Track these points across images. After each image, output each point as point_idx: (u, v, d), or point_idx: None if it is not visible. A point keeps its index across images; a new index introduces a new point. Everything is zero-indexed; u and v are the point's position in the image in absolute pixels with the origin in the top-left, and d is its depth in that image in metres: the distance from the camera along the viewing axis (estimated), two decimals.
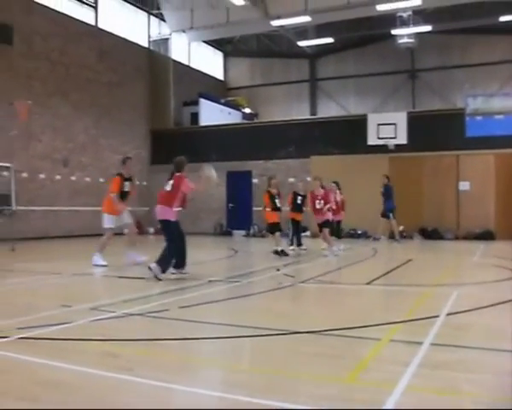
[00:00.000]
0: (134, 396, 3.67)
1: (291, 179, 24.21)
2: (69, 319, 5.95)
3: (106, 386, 3.85)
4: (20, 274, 10.78)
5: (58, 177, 22.39)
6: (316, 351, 4.77)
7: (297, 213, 15.61)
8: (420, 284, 9.05)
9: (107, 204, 11.76)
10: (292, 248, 15.29)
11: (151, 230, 24.54)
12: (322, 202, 14.04)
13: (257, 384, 3.86)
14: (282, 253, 13.86)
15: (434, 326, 5.53)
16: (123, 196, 11.75)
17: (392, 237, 20.18)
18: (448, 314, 6.21)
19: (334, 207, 14.82)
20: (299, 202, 15.57)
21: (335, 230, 15.94)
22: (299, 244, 15.49)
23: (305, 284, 9.25)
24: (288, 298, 8.05)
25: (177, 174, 9.73)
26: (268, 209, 14.48)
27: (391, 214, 19.69)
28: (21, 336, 5.18)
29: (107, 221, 11.77)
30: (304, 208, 15.60)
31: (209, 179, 9.83)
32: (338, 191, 16.55)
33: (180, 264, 9.75)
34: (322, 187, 14.55)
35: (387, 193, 19.78)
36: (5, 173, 19.17)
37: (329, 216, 14.23)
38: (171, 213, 9.55)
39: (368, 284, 9.08)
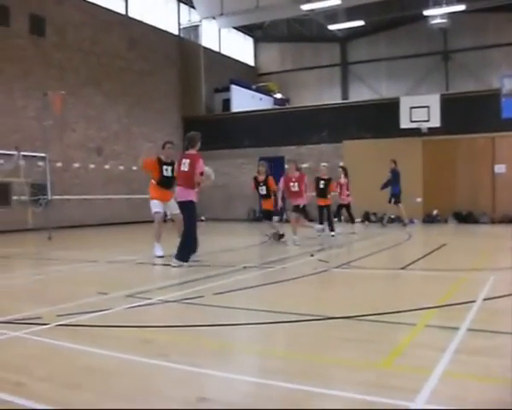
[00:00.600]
0: (170, 382, 3.72)
1: (324, 164, 24.09)
2: (106, 306, 6.04)
3: (143, 372, 3.91)
4: (57, 262, 10.96)
5: (92, 166, 22.66)
6: (351, 336, 4.76)
7: (321, 199, 15.69)
8: (455, 269, 8.96)
9: (151, 190, 11.26)
10: (331, 233, 15.32)
11: None
12: (296, 184, 13.45)
13: (292, 370, 3.88)
14: (281, 237, 14.18)
15: (471, 311, 5.48)
16: (165, 181, 11.02)
17: (398, 220, 20.58)
18: (485, 299, 6.14)
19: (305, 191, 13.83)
20: (321, 186, 15.64)
21: (338, 213, 16.97)
22: (332, 230, 15.45)
23: (340, 269, 9.22)
24: (322, 283, 8.04)
25: (193, 152, 9.54)
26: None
27: (393, 199, 19.53)
28: (61, 323, 5.29)
29: (153, 206, 11.10)
30: (329, 193, 15.68)
31: (209, 177, 9.75)
32: (342, 176, 16.94)
33: (193, 249, 9.65)
34: (298, 169, 13.98)
35: (395, 178, 19.57)
36: (41, 163, 19.47)
37: (304, 201, 13.60)
38: (192, 194, 9.45)
39: (403, 268, 9.02)
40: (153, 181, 11.18)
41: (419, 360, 4.04)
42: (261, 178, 14.24)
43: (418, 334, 4.86)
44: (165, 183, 11.02)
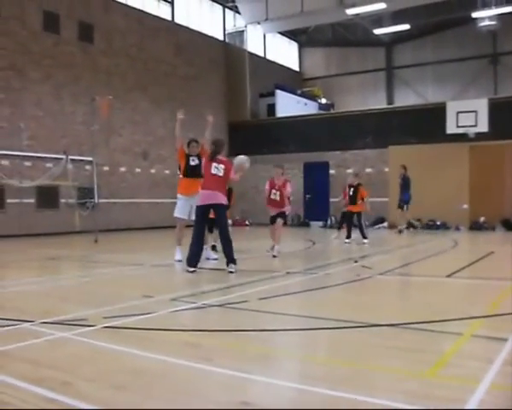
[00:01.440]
0: (213, 386, 3.74)
1: (368, 170, 23.95)
2: (151, 310, 6.11)
3: (187, 375, 3.94)
4: (103, 265, 11.15)
5: (138, 170, 23.00)
6: (395, 344, 4.71)
7: (351, 206, 15.75)
8: (503, 278, 8.75)
9: (178, 186, 11.23)
10: (363, 241, 15.18)
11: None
12: (277, 193, 12.21)
13: (335, 377, 3.85)
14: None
15: None
16: (192, 170, 10.80)
17: (410, 226, 20.57)
18: None
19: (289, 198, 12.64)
20: (351, 193, 15.70)
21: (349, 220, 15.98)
22: (364, 237, 15.30)
23: (384, 275, 9.13)
24: (366, 290, 7.97)
25: (224, 158, 9.58)
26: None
27: (405, 206, 19.50)
28: (106, 325, 5.37)
29: (176, 209, 10.99)
30: (359, 200, 15.67)
31: (242, 168, 9.63)
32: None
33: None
34: (282, 175, 12.76)
35: (405, 184, 19.53)
36: (88, 167, 19.86)
37: (287, 209, 12.54)
38: (225, 198, 9.45)
39: (448, 276, 8.88)
40: (180, 176, 11.11)
41: (465, 370, 3.96)
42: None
43: (464, 344, 4.77)
44: (193, 172, 10.78)
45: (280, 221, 12.31)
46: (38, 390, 3.54)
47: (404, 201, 19.54)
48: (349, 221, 15.79)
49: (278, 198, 12.21)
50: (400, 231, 19.57)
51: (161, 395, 3.49)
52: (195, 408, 3.31)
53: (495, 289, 7.78)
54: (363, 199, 15.72)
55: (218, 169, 9.37)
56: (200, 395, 3.51)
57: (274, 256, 11.82)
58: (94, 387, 3.66)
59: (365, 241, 15.15)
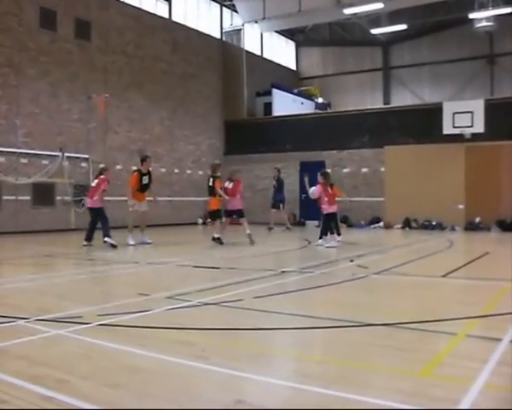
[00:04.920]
0: (209, 384, 3.75)
1: (364, 170, 23.98)
2: (146, 307, 6.12)
3: (182, 374, 3.95)
4: (98, 263, 11.14)
5: (134, 168, 22.88)
6: (390, 344, 4.72)
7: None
8: (498, 278, 8.77)
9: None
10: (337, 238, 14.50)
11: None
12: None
13: (330, 376, 3.87)
14: (218, 240, 14.19)
15: None
16: (142, 188, 15.09)
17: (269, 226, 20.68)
18: None
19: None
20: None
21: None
22: (339, 234, 14.60)
23: (379, 275, 9.14)
24: (361, 290, 7.98)
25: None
26: (216, 197, 14.58)
27: (281, 205, 20.46)
28: (102, 322, 5.38)
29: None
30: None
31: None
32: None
33: None
34: (232, 179, 15.00)
35: (279, 185, 20.62)
36: (84, 164, 19.84)
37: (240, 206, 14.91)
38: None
39: (443, 276, 8.90)
40: (129, 189, 15.01)
41: (459, 370, 3.98)
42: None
43: (459, 344, 4.79)
44: (143, 189, 15.26)
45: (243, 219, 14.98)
46: (34, 388, 3.55)
47: (280, 200, 20.52)
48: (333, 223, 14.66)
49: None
50: (270, 229, 20.21)
51: (157, 393, 3.50)
52: (191, 407, 3.32)
53: (490, 290, 7.80)
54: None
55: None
56: (195, 394, 3.52)
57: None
58: (89, 385, 3.67)
59: (339, 239, 14.44)
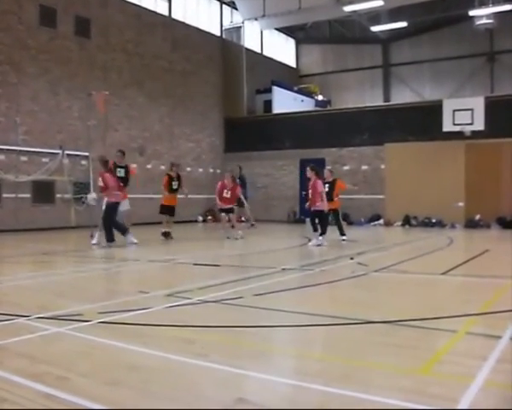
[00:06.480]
0: (209, 382, 3.75)
1: (364, 167, 23.98)
2: (147, 305, 6.13)
3: (182, 371, 3.95)
4: (98, 260, 11.15)
5: (134, 165, 22.91)
6: (390, 341, 4.73)
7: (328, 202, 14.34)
8: (498, 276, 8.78)
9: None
10: (341, 237, 14.70)
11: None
12: (229, 192, 16.01)
13: (331, 374, 3.87)
14: (168, 235, 15.33)
15: None
16: (123, 184, 14.06)
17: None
18: None
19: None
20: (327, 190, 14.45)
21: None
22: (342, 234, 14.78)
23: (379, 273, 9.15)
24: (361, 287, 7.99)
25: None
26: (166, 192, 15.83)
27: (245, 201, 20.55)
28: (102, 320, 5.39)
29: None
30: (335, 197, 14.79)
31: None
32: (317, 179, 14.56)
33: None
34: (233, 181, 16.50)
35: (243, 183, 20.90)
36: (84, 162, 19.83)
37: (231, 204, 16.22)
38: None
39: (443, 274, 8.90)
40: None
41: (459, 367, 3.99)
42: (174, 174, 16.05)
43: (459, 341, 4.80)
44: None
45: (232, 216, 16.42)
46: (34, 386, 3.55)
47: (244, 197, 20.57)
48: (325, 221, 14.36)
49: (229, 196, 16.04)
50: (252, 225, 20.64)
51: (157, 391, 3.50)
52: (191, 405, 3.32)
53: (490, 287, 7.81)
54: (337, 195, 14.94)
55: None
56: (195, 392, 3.52)
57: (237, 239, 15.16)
58: (90, 382, 3.67)
59: (344, 238, 14.70)
